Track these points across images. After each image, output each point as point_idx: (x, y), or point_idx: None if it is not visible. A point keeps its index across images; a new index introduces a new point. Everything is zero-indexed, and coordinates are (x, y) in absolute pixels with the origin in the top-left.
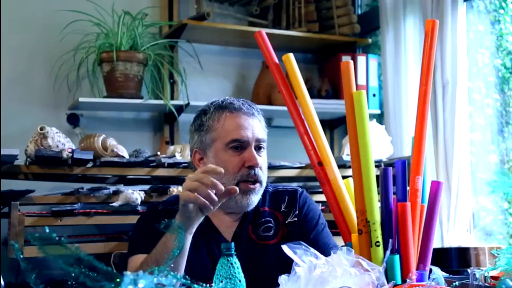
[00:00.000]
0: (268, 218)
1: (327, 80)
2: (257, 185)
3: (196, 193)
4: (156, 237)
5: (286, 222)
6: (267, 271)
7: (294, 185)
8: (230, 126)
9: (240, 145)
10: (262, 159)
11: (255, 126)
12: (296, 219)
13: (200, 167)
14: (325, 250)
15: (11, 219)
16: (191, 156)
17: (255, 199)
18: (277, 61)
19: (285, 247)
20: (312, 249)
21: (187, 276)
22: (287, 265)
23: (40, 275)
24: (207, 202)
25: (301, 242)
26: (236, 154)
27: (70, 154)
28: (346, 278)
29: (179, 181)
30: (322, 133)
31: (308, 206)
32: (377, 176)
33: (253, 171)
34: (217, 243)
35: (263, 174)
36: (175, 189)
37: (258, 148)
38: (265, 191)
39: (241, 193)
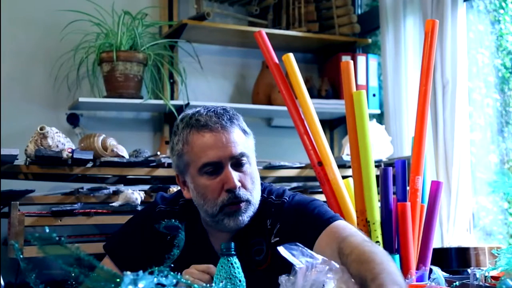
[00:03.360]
0: (259, 239)
1: (327, 80)
2: (242, 204)
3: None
4: (135, 250)
5: (272, 242)
6: None
7: (293, 185)
8: (199, 148)
9: (213, 169)
10: (246, 176)
11: (228, 141)
12: (278, 239)
13: (185, 191)
14: None
15: (11, 219)
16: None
17: (244, 217)
18: (277, 61)
19: (281, 249)
20: (309, 250)
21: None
22: None
23: (40, 275)
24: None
25: (297, 243)
26: (212, 178)
27: (70, 154)
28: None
29: None
30: (322, 133)
31: (294, 218)
32: (377, 176)
33: (232, 194)
34: (211, 262)
35: (248, 192)
36: (174, 189)
37: (239, 164)
38: (261, 200)
39: (227, 216)
